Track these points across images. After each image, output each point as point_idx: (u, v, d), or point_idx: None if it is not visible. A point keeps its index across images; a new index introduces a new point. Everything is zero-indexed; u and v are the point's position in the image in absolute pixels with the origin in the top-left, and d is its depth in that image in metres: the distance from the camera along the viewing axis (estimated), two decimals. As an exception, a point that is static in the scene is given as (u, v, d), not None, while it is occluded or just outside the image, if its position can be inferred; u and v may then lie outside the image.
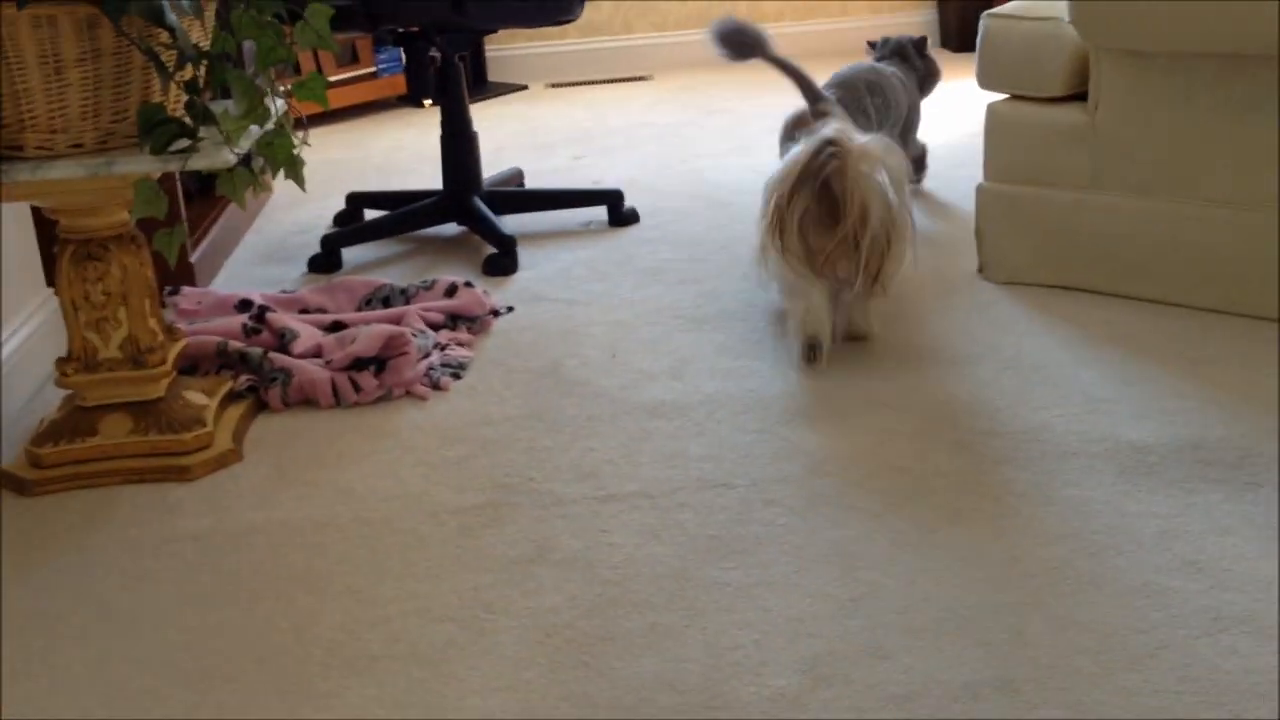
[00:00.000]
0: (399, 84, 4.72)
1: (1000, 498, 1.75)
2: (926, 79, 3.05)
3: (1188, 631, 1.44)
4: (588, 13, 4.97)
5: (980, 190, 2.52)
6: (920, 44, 3.06)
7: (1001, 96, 2.48)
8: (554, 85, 4.97)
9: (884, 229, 2.10)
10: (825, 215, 2.12)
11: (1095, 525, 1.66)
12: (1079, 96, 2.38)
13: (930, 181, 3.23)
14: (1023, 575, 1.57)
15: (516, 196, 3.18)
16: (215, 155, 1.79)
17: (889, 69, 2.91)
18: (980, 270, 2.56)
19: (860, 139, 2.14)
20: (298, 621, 1.57)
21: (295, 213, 3.37)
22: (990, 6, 3.49)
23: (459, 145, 3.01)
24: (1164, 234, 2.30)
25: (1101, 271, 2.39)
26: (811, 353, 2.20)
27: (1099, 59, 2.32)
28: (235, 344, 2.28)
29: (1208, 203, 2.25)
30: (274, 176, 1.97)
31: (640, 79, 4.98)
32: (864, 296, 2.22)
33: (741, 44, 2.54)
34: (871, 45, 3.08)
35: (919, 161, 3.14)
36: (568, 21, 2.90)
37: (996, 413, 1.99)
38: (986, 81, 2.47)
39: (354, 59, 4.63)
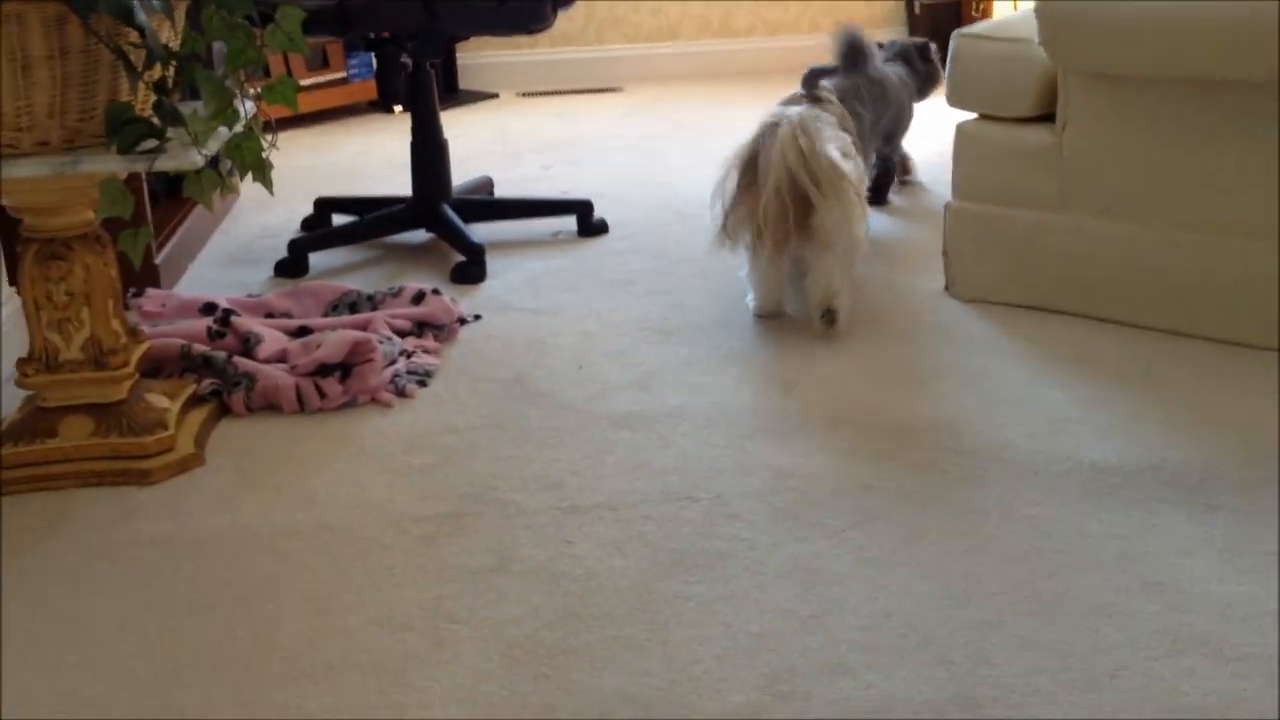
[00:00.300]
0: (369, 89, 4.71)
1: (962, 516, 1.75)
2: (927, 82, 3.23)
3: (1147, 653, 1.45)
4: (560, 23, 4.97)
5: (948, 209, 2.53)
6: (924, 49, 3.24)
7: (970, 116, 2.50)
8: (525, 94, 4.97)
9: (805, 181, 2.26)
10: (752, 185, 2.35)
11: (1056, 545, 1.67)
12: (1047, 118, 2.40)
13: (898, 199, 3.25)
14: (984, 594, 1.57)
15: (486, 205, 3.17)
16: (183, 156, 1.78)
17: (891, 69, 3.07)
18: (947, 288, 2.57)
19: (793, 114, 2.33)
20: (257, 629, 1.56)
21: (262, 216, 3.36)
22: (960, 26, 3.51)
23: (428, 152, 3.00)
24: (1129, 256, 2.32)
25: (1067, 292, 2.41)
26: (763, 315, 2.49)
27: (1067, 81, 2.33)
28: (199, 347, 2.27)
29: (1172, 226, 2.27)
30: (242, 179, 1.96)
31: (611, 90, 4.98)
32: (824, 261, 2.34)
33: (858, 55, 2.85)
34: (880, 45, 3.21)
35: (902, 166, 3.25)
36: (540, 30, 2.90)
37: (960, 431, 2.00)
38: (956, 101, 2.49)
39: (324, 64, 4.62)
